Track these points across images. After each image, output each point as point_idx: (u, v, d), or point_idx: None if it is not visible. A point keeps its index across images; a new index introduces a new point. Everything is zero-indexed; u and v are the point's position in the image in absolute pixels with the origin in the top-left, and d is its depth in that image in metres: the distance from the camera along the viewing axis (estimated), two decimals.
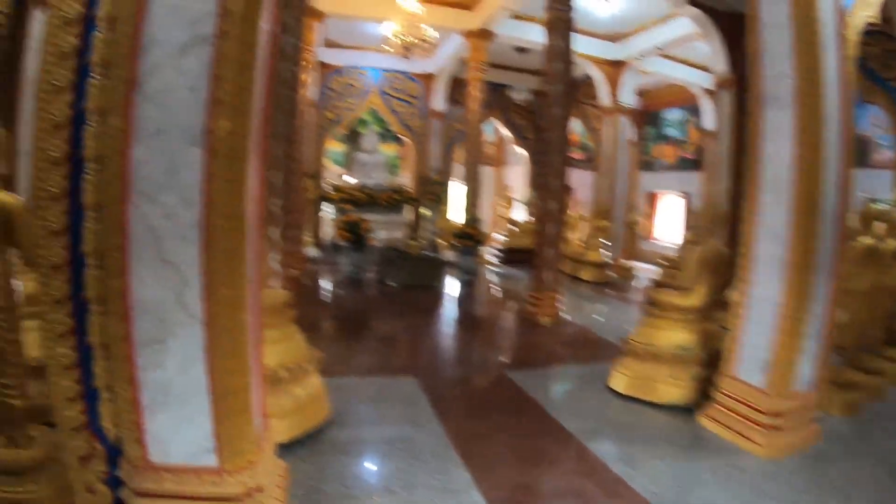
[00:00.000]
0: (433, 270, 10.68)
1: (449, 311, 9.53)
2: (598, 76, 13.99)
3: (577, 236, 13.81)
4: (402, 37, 10.24)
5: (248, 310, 2.71)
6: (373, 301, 9.78)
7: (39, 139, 2.63)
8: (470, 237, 11.09)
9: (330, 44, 15.63)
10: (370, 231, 10.82)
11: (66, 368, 2.73)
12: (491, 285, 11.77)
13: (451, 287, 11.06)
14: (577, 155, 19.31)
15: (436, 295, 10.30)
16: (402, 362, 6.32)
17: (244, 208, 2.58)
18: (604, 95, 14.16)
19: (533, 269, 8.54)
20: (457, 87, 16.61)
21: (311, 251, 14.09)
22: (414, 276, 10.57)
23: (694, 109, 15.72)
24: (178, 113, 2.51)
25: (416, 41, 10.25)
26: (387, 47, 10.72)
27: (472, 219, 11.46)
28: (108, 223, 2.56)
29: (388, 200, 14.99)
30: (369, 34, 13.86)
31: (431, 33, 10.36)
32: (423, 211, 15.53)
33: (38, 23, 8.41)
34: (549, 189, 8.31)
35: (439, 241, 13.20)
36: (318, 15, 11.88)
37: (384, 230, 13.86)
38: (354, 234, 10.63)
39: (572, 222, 14.07)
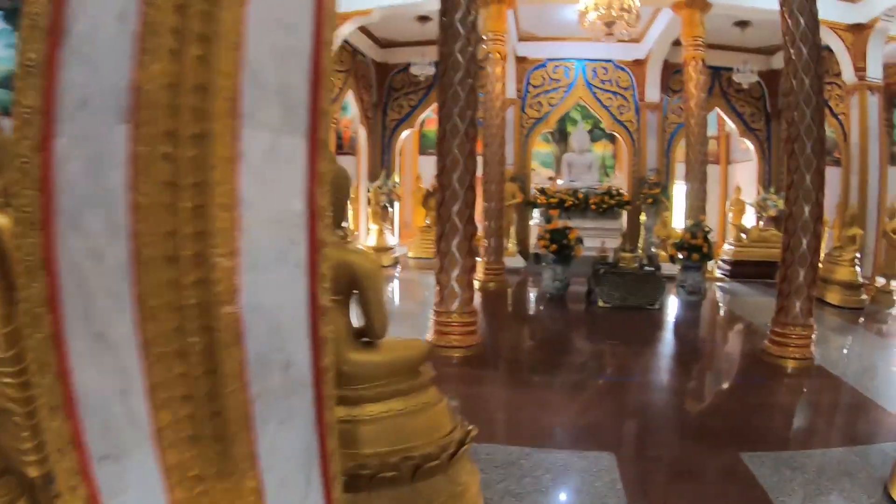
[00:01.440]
0: (650, 289, 8.96)
1: (666, 344, 7.78)
2: (837, 46, 11.43)
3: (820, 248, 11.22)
4: (601, 10, 8.66)
5: (246, 421, 1.44)
6: (574, 325, 8.33)
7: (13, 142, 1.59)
8: (696, 249, 9.21)
9: (527, 36, 14.52)
10: (578, 241, 9.33)
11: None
12: (719, 309, 9.81)
13: (672, 310, 9.28)
14: None
15: (652, 320, 8.57)
16: (597, 424, 4.71)
17: (219, 238, 1.29)
18: (846, 70, 11.55)
19: (777, 295, 6.62)
20: (672, 74, 14.75)
21: (516, 261, 12.89)
22: (627, 295, 8.93)
23: None
24: (104, 66, 1.30)
25: (617, 13, 8.63)
26: (584, 25, 9.17)
27: (699, 227, 9.54)
28: (30, 261, 1.42)
29: (600, 205, 13.40)
30: (568, 22, 12.46)
31: (633, 2, 8.69)
32: (641, 217, 13.71)
33: None
34: (799, 188, 6.35)
35: (659, 252, 11.34)
36: (508, 1, 10.66)
37: (595, 238, 12.34)
38: (559, 245, 9.20)
39: None
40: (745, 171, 17.18)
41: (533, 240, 14.05)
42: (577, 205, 13.17)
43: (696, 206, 10.50)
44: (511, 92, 14.48)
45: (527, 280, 11.63)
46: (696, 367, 6.62)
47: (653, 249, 11.51)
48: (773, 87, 15.30)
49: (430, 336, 6.47)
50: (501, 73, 10.73)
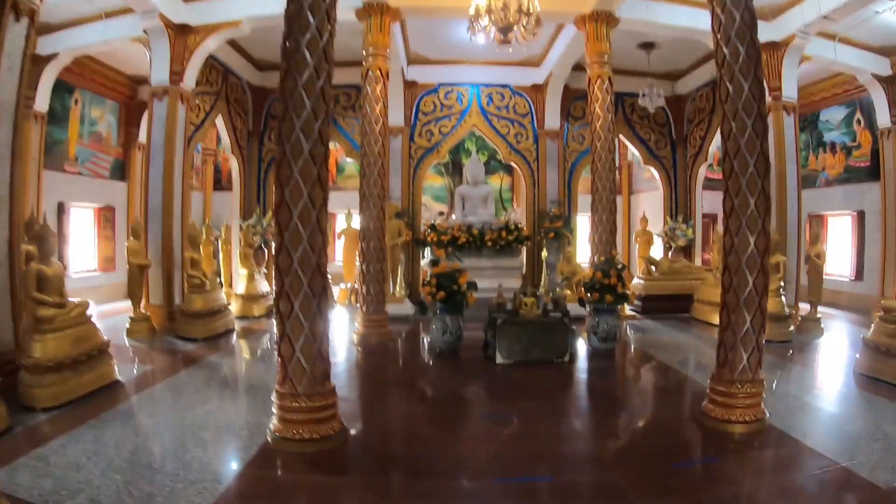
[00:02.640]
0: (558, 339, 7.54)
1: (582, 413, 6.17)
2: None
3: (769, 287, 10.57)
4: (496, 12, 7.28)
5: None
6: (467, 391, 6.72)
7: None
8: (610, 290, 7.84)
9: (417, 59, 13.29)
10: (470, 286, 7.84)
11: None
12: (638, 356, 8.51)
13: (583, 363, 7.85)
14: (715, 174, 15.83)
15: (562, 378, 7.12)
16: None
17: None
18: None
19: (719, 346, 5.31)
20: (573, 101, 13.99)
21: (405, 308, 11.28)
22: (531, 347, 7.49)
23: (862, 105, 12.87)
24: None
25: (513, 17, 7.27)
26: (474, 32, 7.77)
27: (612, 264, 8.22)
28: None
29: (497, 241, 12.04)
30: (461, 43, 11.38)
31: (533, 4, 7.38)
32: (542, 254, 12.44)
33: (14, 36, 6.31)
34: (741, 214, 5.09)
35: (564, 292, 9.99)
36: (392, 13, 9.26)
37: (492, 278, 10.95)
38: (447, 291, 7.68)
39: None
40: (650, 201, 16.36)
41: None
42: (472, 242, 11.83)
43: (606, 239, 9.20)
44: (398, 119, 13.17)
45: (417, 330, 10.04)
46: (625, 446, 5.12)
47: (558, 290, 10.12)
48: (678, 113, 14.60)
49: (274, 425, 4.78)
50: (382, 92, 9.22)
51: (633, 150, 15.24)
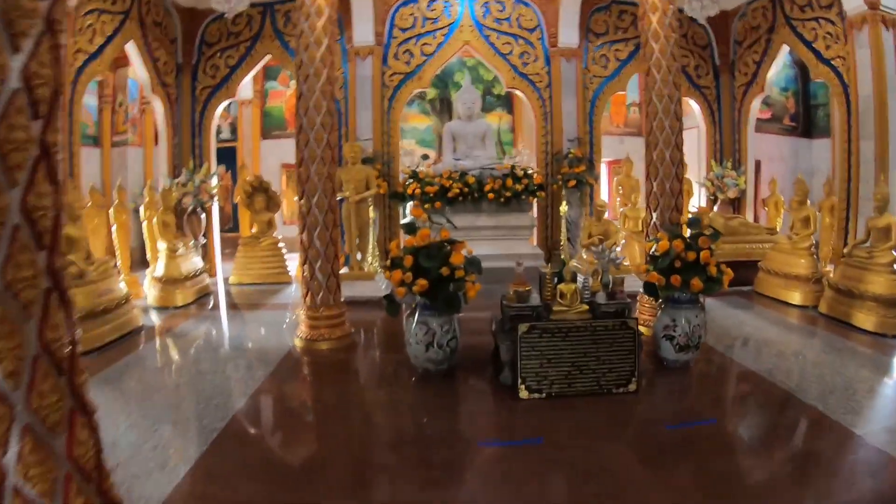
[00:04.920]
0: (619, 355, 4.52)
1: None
2: None
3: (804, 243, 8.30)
4: None
5: None
6: (465, 472, 3.67)
7: None
8: (697, 270, 4.78)
9: None
10: (471, 267, 4.79)
11: None
12: (737, 375, 5.43)
13: (660, 393, 4.85)
14: (763, 113, 12.86)
15: (633, 430, 4.16)
16: None
17: None
18: None
19: None
20: (593, 12, 10.95)
21: (378, 287, 8.26)
22: (575, 370, 4.47)
23: None
24: None
25: None
26: None
27: (697, 224, 5.13)
28: None
29: (501, 193, 9.03)
30: None
31: None
32: (561, 208, 9.43)
33: None
34: None
35: (620, 275, 6.91)
36: None
37: (494, 243, 8.01)
38: (432, 280, 4.63)
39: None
40: (685, 142, 13.25)
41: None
42: (467, 194, 8.80)
43: (671, 188, 6.12)
44: (367, 36, 10.12)
45: (397, 324, 6.52)
46: None
47: (611, 269, 6.97)
48: (721, 34, 11.45)
49: None
50: None
51: None
